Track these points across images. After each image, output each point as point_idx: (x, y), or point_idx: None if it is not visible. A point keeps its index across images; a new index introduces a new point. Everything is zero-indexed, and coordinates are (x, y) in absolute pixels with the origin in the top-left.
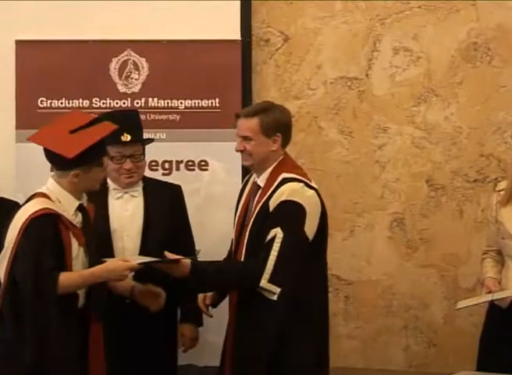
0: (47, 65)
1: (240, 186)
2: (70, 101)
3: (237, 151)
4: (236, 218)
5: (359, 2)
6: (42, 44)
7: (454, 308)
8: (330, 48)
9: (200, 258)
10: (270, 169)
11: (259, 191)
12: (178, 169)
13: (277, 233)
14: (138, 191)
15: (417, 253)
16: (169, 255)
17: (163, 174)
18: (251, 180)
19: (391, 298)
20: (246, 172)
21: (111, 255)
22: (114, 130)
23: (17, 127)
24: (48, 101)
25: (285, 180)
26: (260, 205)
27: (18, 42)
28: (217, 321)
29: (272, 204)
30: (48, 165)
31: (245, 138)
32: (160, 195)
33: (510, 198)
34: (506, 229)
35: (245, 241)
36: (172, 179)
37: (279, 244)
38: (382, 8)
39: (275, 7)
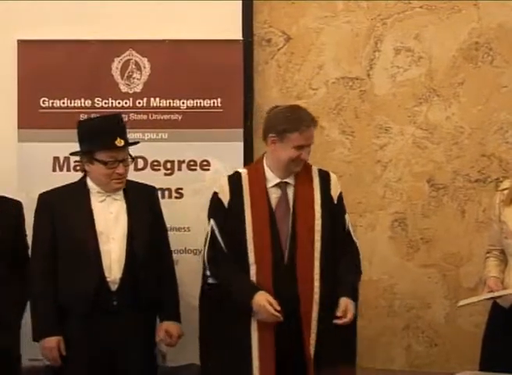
0: (49, 64)
1: None
2: (72, 101)
3: (305, 159)
4: (258, 220)
5: (361, 2)
6: (44, 43)
7: (456, 305)
8: (332, 48)
9: (201, 256)
10: None
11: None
12: (180, 169)
13: (348, 218)
14: (120, 194)
15: (419, 253)
16: None
17: (165, 174)
18: (245, 182)
19: (392, 297)
20: None
21: (98, 257)
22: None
23: (19, 127)
24: (50, 101)
25: (323, 171)
26: (317, 199)
27: (20, 42)
28: None
29: (334, 194)
30: (50, 164)
31: (310, 145)
32: (140, 197)
33: None
34: (509, 228)
35: (315, 236)
36: (175, 179)
37: (351, 228)
38: (384, 8)
39: (277, 7)
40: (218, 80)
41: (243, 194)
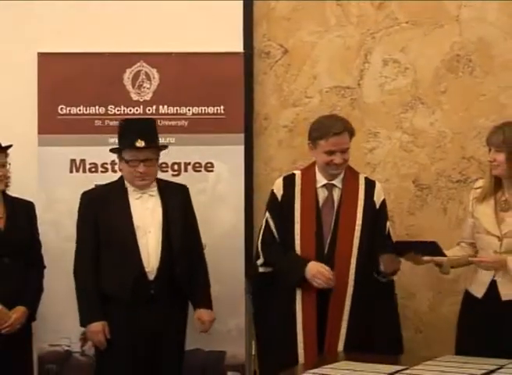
0: (66, 75)
1: (243, 185)
2: (87, 109)
3: (339, 164)
4: (306, 214)
5: (352, 18)
6: (62, 56)
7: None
8: (325, 60)
9: (206, 251)
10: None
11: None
12: (186, 170)
13: (388, 224)
14: (154, 191)
15: None
16: None
17: (172, 175)
18: (298, 181)
19: None
20: (248, 173)
21: (137, 249)
22: (129, 136)
23: (39, 132)
24: (68, 109)
25: (369, 179)
26: (361, 202)
27: (40, 54)
28: (221, 311)
29: (377, 200)
30: (67, 166)
31: (344, 151)
32: (173, 194)
33: (486, 195)
34: (480, 224)
35: (354, 233)
36: (181, 179)
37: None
38: (373, 23)
39: (275, 22)
40: (221, 89)
41: (295, 191)
